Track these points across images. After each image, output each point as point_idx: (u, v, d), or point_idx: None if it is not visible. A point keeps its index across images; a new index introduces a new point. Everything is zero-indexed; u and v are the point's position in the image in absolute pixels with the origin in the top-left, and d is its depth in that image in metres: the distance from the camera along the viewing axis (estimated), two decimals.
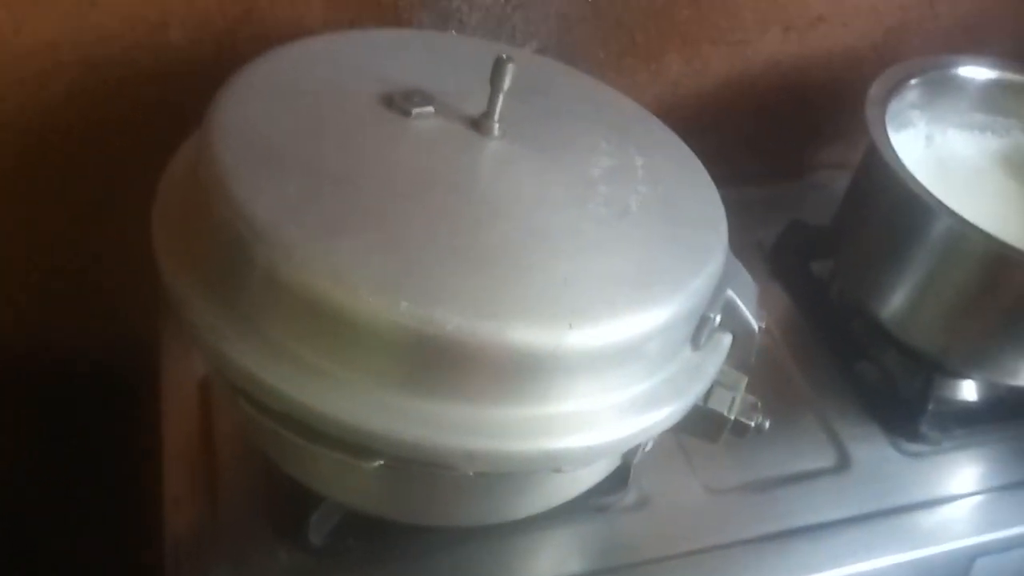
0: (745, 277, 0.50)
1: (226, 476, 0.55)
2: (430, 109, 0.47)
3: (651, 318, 0.42)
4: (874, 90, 0.69)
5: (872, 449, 0.65)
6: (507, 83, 0.45)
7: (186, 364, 0.60)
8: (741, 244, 0.78)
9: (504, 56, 0.45)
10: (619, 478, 0.58)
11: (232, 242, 0.39)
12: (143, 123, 0.63)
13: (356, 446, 0.39)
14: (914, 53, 0.79)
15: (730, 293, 0.48)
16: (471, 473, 0.40)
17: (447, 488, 0.45)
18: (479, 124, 0.47)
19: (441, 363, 0.38)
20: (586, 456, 0.42)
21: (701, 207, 0.49)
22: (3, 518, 0.60)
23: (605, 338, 0.40)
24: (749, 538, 0.59)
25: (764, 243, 0.80)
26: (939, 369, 0.67)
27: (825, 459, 0.64)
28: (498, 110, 0.46)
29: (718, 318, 0.47)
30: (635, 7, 0.70)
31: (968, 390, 0.70)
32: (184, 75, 0.62)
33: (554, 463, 0.41)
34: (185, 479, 0.55)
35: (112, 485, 0.62)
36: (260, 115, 0.44)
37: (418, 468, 0.41)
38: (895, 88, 0.70)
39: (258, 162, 0.42)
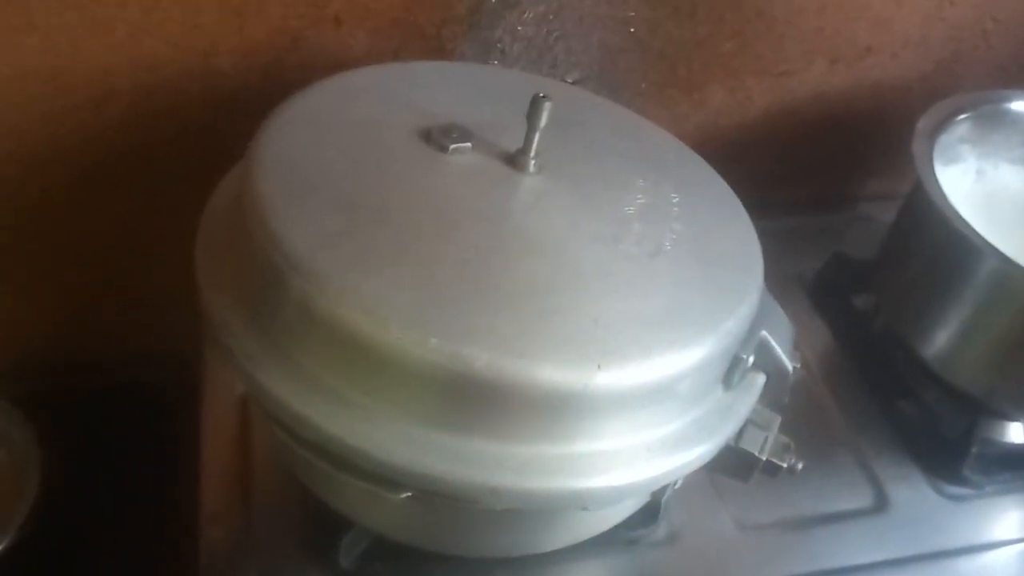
0: (780, 317, 0.50)
1: (262, 494, 0.56)
2: (467, 144, 0.47)
3: (682, 359, 0.42)
4: (923, 124, 0.68)
5: (912, 490, 0.64)
6: (543, 121, 0.46)
7: (227, 381, 0.61)
8: (782, 276, 0.79)
9: (541, 94, 0.45)
10: (649, 512, 0.57)
11: (269, 272, 0.40)
12: (192, 147, 0.65)
13: (383, 478, 0.40)
14: (965, 85, 0.78)
15: (764, 334, 0.47)
16: (497, 508, 0.40)
17: (474, 520, 0.45)
18: (515, 160, 0.47)
19: (469, 400, 0.39)
20: (613, 496, 0.42)
21: (736, 246, 0.48)
22: (38, 529, 0.61)
23: (635, 379, 0.40)
24: None
25: (806, 275, 0.79)
26: (984, 410, 0.66)
27: (862, 499, 0.63)
28: (534, 147, 0.47)
29: (751, 358, 0.47)
30: (678, 38, 0.70)
31: (1015, 432, 0.68)
32: (232, 102, 0.63)
33: (580, 502, 0.41)
34: (222, 496, 0.56)
35: (147, 501, 0.63)
36: (300, 148, 0.45)
37: (444, 501, 0.41)
38: (945, 122, 0.69)
39: (297, 194, 0.43)
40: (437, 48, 0.65)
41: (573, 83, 0.70)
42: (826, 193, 0.85)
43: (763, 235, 0.79)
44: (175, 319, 0.64)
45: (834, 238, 0.81)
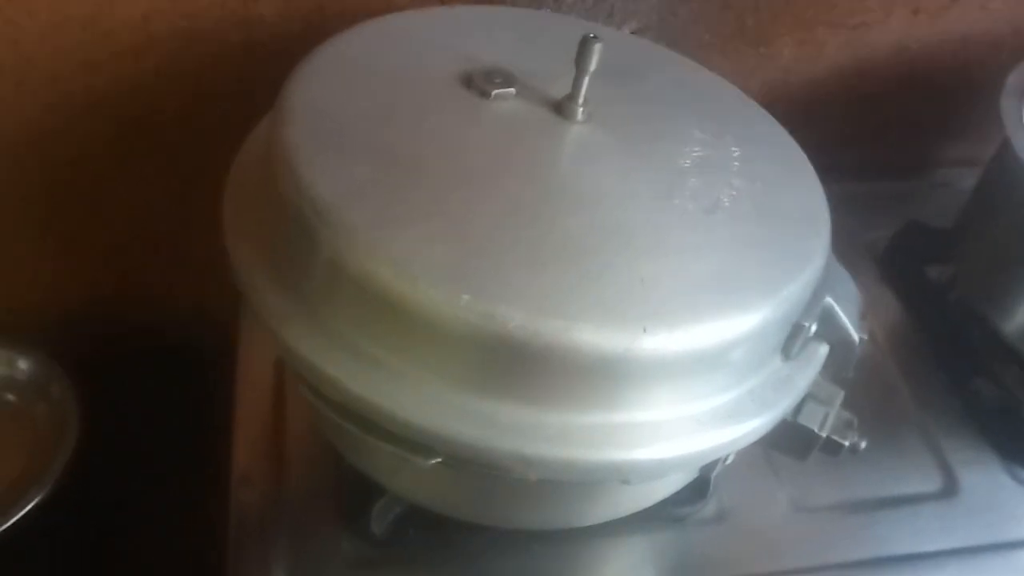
0: (848, 283, 0.46)
1: (295, 458, 0.55)
2: (511, 90, 0.44)
3: (736, 325, 0.38)
4: (1012, 79, 0.62)
5: (984, 475, 0.59)
6: (594, 64, 0.42)
7: (262, 343, 0.59)
8: (852, 244, 0.75)
9: (592, 35, 0.42)
10: (698, 488, 0.54)
11: (296, 225, 0.38)
12: (234, 96, 0.63)
13: (411, 442, 0.38)
14: None
15: (829, 301, 0.43)
16: (531, 478, 0.38)
17: (508, 490, 0.43)
18: (562, 108, 0.44)
19: (502, 362, 0.36)
20: (656, 469, 0.39)
21: (802, 206, 0.44)
22: (75, 483, 0.61)
23: (683, 344, 0.37)
24: (837, 563, 0.54)
25: (877, 244, 0.74)
26: None
27: (930, 483, 0.59)
28: (583, 93, 0.43)
29: (814, 327, 0.43)
30: None
31: None
32: (273, 50, 0.61)
33: (621, 475, 0.38)
34: (254, 458, 0.55)
35: (184, 461, 0.62)
36: (334, 94, 0.43)
37: (476, 468, 0.38)
38: None
39: (327, 143, 0.40)
40: None
41: (631, 33, 0.66)
42: (902, 157, 0.80)
43: (832, 200, 0.75)
44: (218, 281, 0.63)
45: (909, 205, 0.76)
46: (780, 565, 0.54)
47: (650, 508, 0.49)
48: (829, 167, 0.76)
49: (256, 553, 0.50)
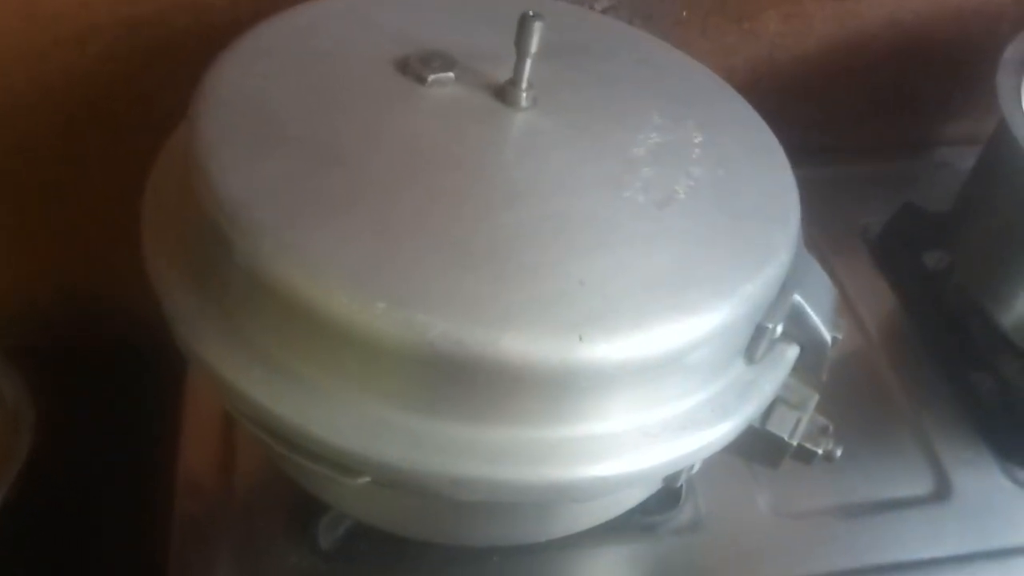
0: (820, 279, 0.42)
1: (244, 468, 0.52)
2: (450, 75, 0.41)
3: (686, 329, 0.35)
4: (1009, 54, 0.58)
5: (980, 476, 0.56)
6: (534, 45, 0.39)
7: None
8: (843, 229, 0.71)
9: (531, 13, 0.38)
10: (670, 496, 0.51)
11: (206, 224, 0.35)
12: (183, 85, 0.60)
13: (335, 461, 0.35)
14: None
15: (797, 298, 0.40)
16: (464, 500, 0.35)
17: (453, 508, 0.40)
18: (504, 93, 0.41)
19: (426, 375, 0.33)
20: (601, 488, 0.36)
21: (768, 197, 0.41)
22: (27, 490, 0.59)
23: (627, 352, 0.34)
24: (820, 573, 0.51)
25: (870, 229, 0.70)
26: None
27: (921, 485, 0.55)
28: (525, 77, 0.40)
29: (780, 328, 0.39)
30: None
31: None
32: (222, 36, 0.58)
33: (562, 495, 0.35)
34: (202, 467, 0.52)
35: (140, 463, 0.60)
36: (255, 83, 0.40)
37: (406, 490, 0.35)
38: None
39: (242, 136, 0.37)
40: None
41: (603, 11, 0.63)
42: (898, 136, 0.76)
43: (824, 184, 0.72)
44: None
45: (905, 188, 0.72)
46: (760, 575, 0.51)
47: (618, 517, 0.46)
48: (819, 148, 0.73)
49: (200, 566, 0.48)
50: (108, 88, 0.60)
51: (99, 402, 0.65)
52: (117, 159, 0.64)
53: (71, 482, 0.63)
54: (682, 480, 0.44)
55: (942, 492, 0.55)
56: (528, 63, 0.39)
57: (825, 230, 0.68)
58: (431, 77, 0.41)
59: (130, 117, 0.62)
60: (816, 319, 0.41)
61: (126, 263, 0.69)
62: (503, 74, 0.41)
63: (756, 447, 0.42)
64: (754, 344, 0.39)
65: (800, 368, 0.42)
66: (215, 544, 0.49)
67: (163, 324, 0.40)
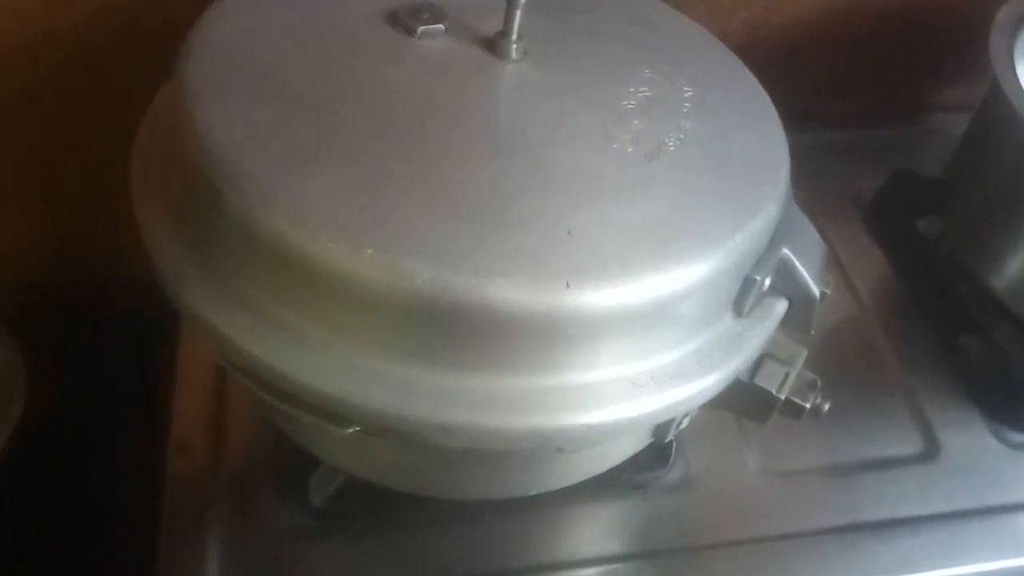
0: (809, 234, 0.42)
1: (235, 425, 0.52)
2: (439, 27, 0.41)
3: (673, 280, 0.35)
4: (1003, 15, 0.58)
5: (968, 436, 0.56)
6: None
7: None
8: (837, 194, 0.71)
9: None
10: (660, 453, 0.51)
11: (194, 175, 0.35)
12: (170, 41, 0.60)
13: (324, 409, 0.35)
14: None
15: (787, 252, 0.40)
16: (451, 447, 0.35)
17: (442, 460, 0.40)
18: (494, 45, 0.40)
19: (414, 322, 0.33)
20: (589, 436, 0.36)
21: (757, 150, 0.41)
22: (19, 453, 0.59)
23: (614, 300, 0.34)
24: (809, 531, 0.52)
25: (864, 194, 0.70)
26: None
27: (910, 444, 0.56)
28: (515, 29, 0.40)
29: (768, 281, 0.39)
30: None
31: None
32: None
33: (550, 442, 0.35)
34: (194, 425, 0.52)
35: (132, 428, 0.60)
36: (244, 33, 0.39)
37: (395, 438, 0.36)
38: None
39: (231, 86, 0.37)
40: None
41: None
42: (893, 101, 0.76)
43: (818, 149, 0.72)
44: None
45: (899, 153, 0.72)
46: (750, 533, 0.51)
47: (609, 474, 0.47)
48: (815, 113, 0.73)
49: (191, 523, 0.48)
50: (96, 46, 0.60)
51: (91, 366, 0.65)
52: (106, 119, 0.63)
53: (64, 446, 0.64)
54: (672, 434, 0.44)
55: (930, 452, 0.55)
56: (518, 15, 0.39)
57: (819, 195, 0.68)
58: (421, 29, 0.40)
59: (119, 75, 0.61)
60: (804, 273, 0.41)
61: (117, 224, 0.69)
62: (493, 26, 0.41)
63: (745, 401, 0.42)
64: (742, 297, 0.39)
65: (789, 323, 0.42)
66: (207, 502, 0.49)
67: (155, 286, 0.40)
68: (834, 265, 0.65)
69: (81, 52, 0.60)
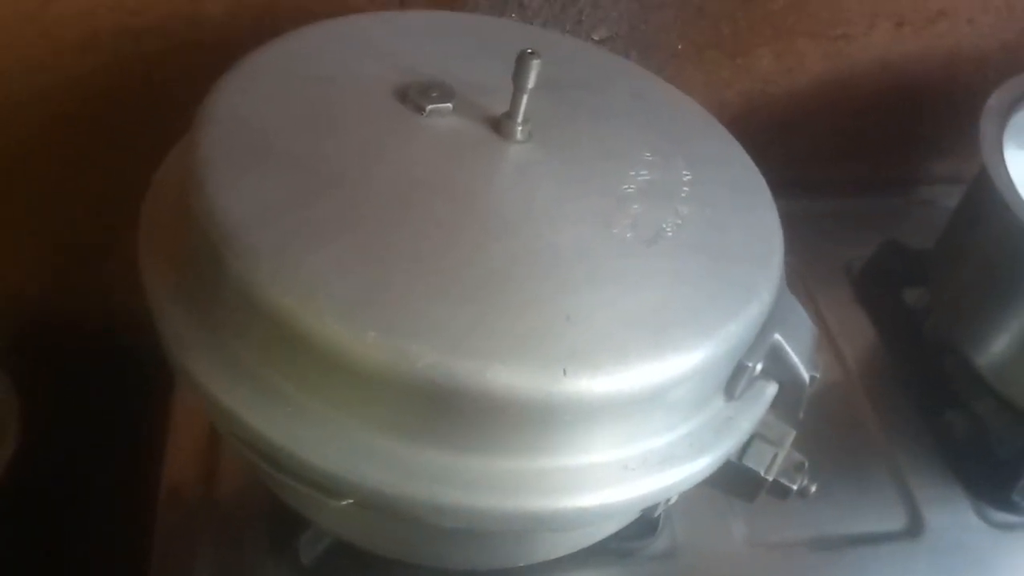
0: (801, 318, 0.43)
1: (227, 479, 0.52)
2: (448, 106, 0.42)
3: (668, 367, 0.36)
4: (994, 100, 0.60)
5: (952, 514, 0.57)
6: (531, 81, 0.40)
7: None
8: (828, 263, 0.72)
9: (529, 51, 0.39)
10: (647, 523, 0.52)
11: (202, 245, 0.36)
12: (181, 97, 0.60)
13: (319, 483, 0.35)
14: None
15: (778, 338, 0.41)
16: (444, 526, 0.35)
17: (434, 532, 0.40)
18: (500, 126, 0.41)
19: (414, 403, 0.34)
20: (581, 519, 0.36)
21: (753, 237, 0.42)
22: (12, 486, 0.59)
23: (609, 387, 0.34)
24: None
25: (854, 264, 0.71)
26: None
27: (894, 521, 0.56)
28: (521, 111, 0.41)
29: (760, 366, 0.40)
30: None
31: None
32: (223, 50, 0.58)
33: (542, 524, 0.36)
34: (185, 476, 0.52)
35: (125, 465, 0.60)
36: (257, 105, 0.40)
37: (388, 514, 0.36)
38: (1021, 99, 0.61)
39: (242, 157, 0.38)
40: None
41: (600, 41, 0.64)
42: (884, 173, 0.77)
43: (811, 217, 0.73)
44: None
45: (890, 224, 0.74)
46: None
47: (596, 542, 0.47)
48: (809, 182, 0.74)
49: (179, 572, 0.48)
50: (107, 97, 0.61)
51: (86, 403, 0.65)
52: (109, 167, 0.64)
53: (56, 481, 0.63)
54: (660, 510, 0.45)
55: (914, 529, 0.56)
56: (524, 98, 0.40)
57: (810, 264, 0.70)
58: (429, 107, 0.41)
59: (129, 126, 0.62)
60: (795, 358, 0.41)
61: (114, 268, 0.69)
62: (500, 106, 0.42)
63: (733, 480, 0.43)
64: (734, 381, 0.40)
65: (779, 405, 0.43)
66: (196, 555, 0.49)
67: (153, 330, 0.41)
68: (823, 332, 0.66)
69: (95, 102, 0.60)
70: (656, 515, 0.46)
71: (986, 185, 0.56)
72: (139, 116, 0.62)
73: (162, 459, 0.53)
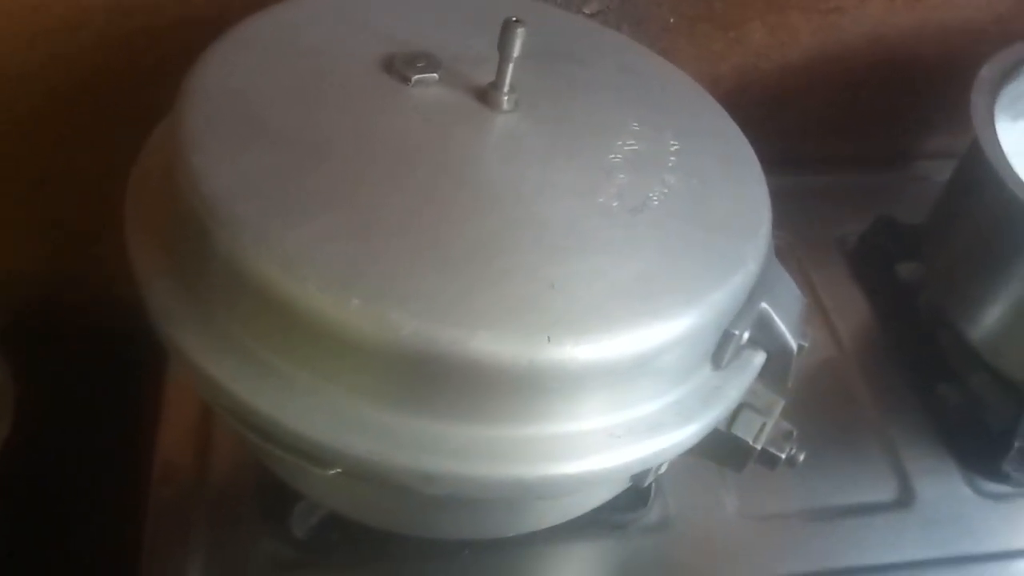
0: (788, 288, 0.43)
1: (219, 455, 0.53)
2: (433, 76, 0.42)
3: (653, 335, 0.36)
4: (986, 72, 0.59)
5: (943, 485, 0.57)
6: (517, 50, 0.39)
7: None
8: (822, 239, 0.72)
9: (513, 19, 0.39)
10: (639, 495, 0.52)
11: (188, 217, 0.36)
12: (174, 73, 0.60)
13: (308, 453, 0.35)
14: None
15: (764, 306, 0.41)
16: (433, 494, 0.36)
17: (424, 501, 0.41)
18: (487, 96, 0.41)
19: (398, 371, 0.34)
20: (568, 486, 0.37)
21: (740, 206, 0.42)
22: (7, 470, 0.59)
23: (594, 354, 0.34)
24: (785, 575, 0.52)
25: (848, 239, 0.71)
26: None
27: (885, 491, 0.57)
28: (507, 80, 0.41)
29: (747, 334, 0.40)
30: None
31: None
32: (211, 25, 0.58)
33: (529, 492, 0.36)
34: (178, 451, 0.53)
35: (121, 447, 0.61)
36: (241, 78, 0.40)
37: (376, 482, 0.36)
38: (1013, 70, 0.60)
39: (226, 130, 0.38)
40: None
41: (592, 15, 0.63)
42: (879, 148, 0.77)
43: (804, 193, 0.73)
44: None
45: (884, 199, 0.73)
46: (725, 575, 0.52)
47: (588, 514, 0.47)
48: (802, 157, 0.74)
49: (173, 552, 0.48)
50: (96, 75, 0.61)
51: (81, 385, 0.66)
52: (103, 146, 0.64)
53: (51, 465, 0.64)
54: (650, 480, 0.45)
55: (905, 499, 0.56)
56: (510, 67, 0.40)
57: (804, 239, 0.70)
58: (415, 77, 0.41)
59: (117, 105, 0.62)
60: (783, 327, 0.42)
61: (110, 249, 0.69)
62: (486, 77, 0.42)
63: (722, 450, 0.43)
64: (721, 350, 0.40)
65: (767, 374, 0.43)
66: (189, 530, 0.49)
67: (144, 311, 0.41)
68: (817, 307, 0.66)
69: (86, 79, 0.60)
70: (647, 484, 0.46)
71: (978, 157, 0.55)
72: (131, 94, 0.61)
73: (155, 437, 0.53)
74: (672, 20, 0.65)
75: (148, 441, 0.54)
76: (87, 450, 0.64)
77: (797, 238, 0.69)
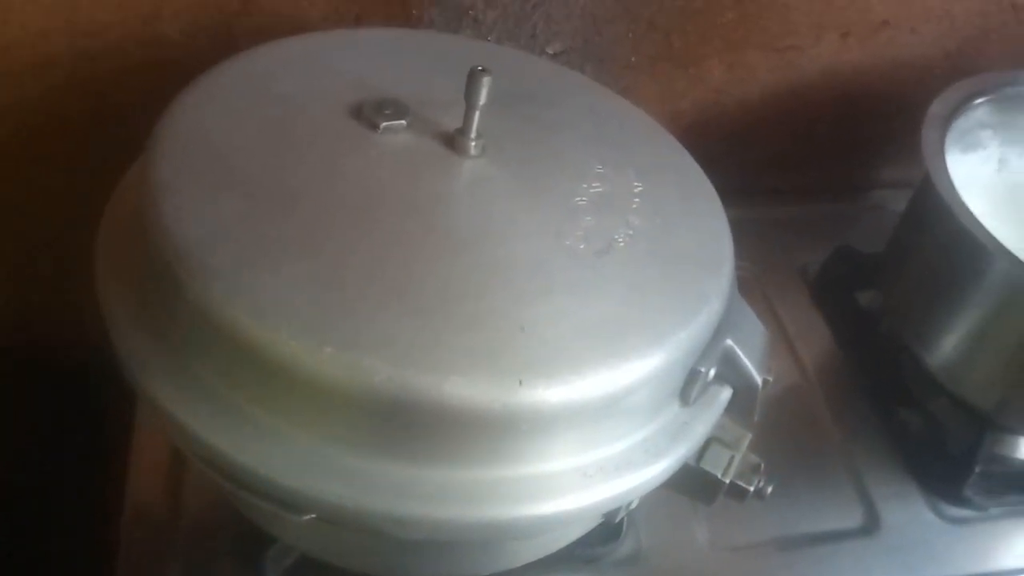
0: (752, 324, 0.44)
1: (192, 495, 0.52)
2: (402, 122, 0.42)
3: (621, 375, 0.36)
4: (936, 107, 0.61)
5: (907, 510, 0.58)
6: (483, 98, 0.40)
7: None
8: (784, 269, 0.74)
9: (479, 68, 0.40)
10: (611, 529, 0.53)
11: (159, 264, 0.36)
12: (140, 117, 0.60)
13: (281, 499, 0.35)
14: (993, 66, 0.71)
15: (730, 343, 0.42)
16: (406, 538, 0.36)
17: (392, 545, 0.41)
18: (454, 141, 0.42)
19: (371, 417, 0.34)
20: (541, 526, 0.37)
21: (703, 245, 0.43)
22: None
23: (564, 396, 0.35)
24: None
25: (809, 269, 0.73)
26: (991, 424, 0.60)
27: (851, 519, 0.58)
28: (474, 127, 0.42)
29: (712, 371, 0.41)
30: (671, 7, 0.64)
31: None
32: (179, 69, 0.58)
33: (503, 533, 0.37)
34: (150, 492, 0.52)
35: (92, 487, 0.60)
36: (210, 125, 0.41)
37: (350, 527, 0.36)
38: (962, 105, 0.63)
39: (197, 176, 0.38)
40: (403, 14, 0.60)
41: (554, 55, 0.65)
42: (835, 180, 0.79)
43: (766, 224, 0.75)
44: None
45: (844, 229, 0.75)
46: None
47: (562, 549, 0.48)
48: (763, 190, 0.76)
49: None
50: (64, 119, 0.61)
51: (50, 421, 0.65)
52: (72, 187, 0.64)
53: (21, 504, 0.63)
54: (622, 515, 0.46)
55: (870, 526, 0.57)
56: (476, 115, 0.41)
57: (766, 269, 0.71)
58: (383, 124, 0.42)
59: (85, 148, 0.62)
60: (747, 363, 0.43)
61: (81, 288, 0.69)
62: (453, 122, 0.43)
63: (692, 484, 0.44)
64: (688, 387, 0.41)
65: (733, 409, 0.44)
66: (163, 572, 0.49)
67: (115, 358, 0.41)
68: (781, 335, 0.68)
69: (52, 124, 0.60)
70: (619, 520, 0.46)
71: (929, 190, 0.57)
72: (95, 139, 0.62)
73: (126, 477, 0.53)
74: (633, 59, 0.67)
75: (119, 481, 0.53)
76: (56, 489, 0.63)
77: (760, 268, 0.71)
